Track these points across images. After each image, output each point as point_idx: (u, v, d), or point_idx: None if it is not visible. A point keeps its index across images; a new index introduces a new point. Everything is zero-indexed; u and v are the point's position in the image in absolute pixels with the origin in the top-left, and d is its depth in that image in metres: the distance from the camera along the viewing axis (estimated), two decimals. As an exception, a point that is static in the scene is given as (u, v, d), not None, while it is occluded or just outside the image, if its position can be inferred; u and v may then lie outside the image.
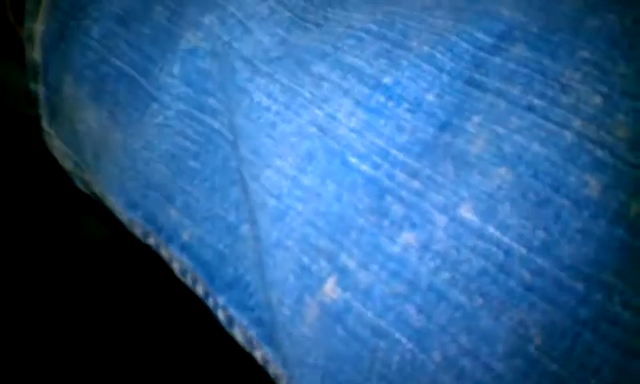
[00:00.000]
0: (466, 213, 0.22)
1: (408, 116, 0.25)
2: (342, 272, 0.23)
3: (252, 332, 0.27)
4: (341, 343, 0.23)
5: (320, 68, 0.27)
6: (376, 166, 0.24)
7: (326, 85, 0.27)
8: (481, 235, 0.22)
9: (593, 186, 0.21)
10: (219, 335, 0.29)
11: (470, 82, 0.24)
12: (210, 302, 0.29)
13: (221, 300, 0.29)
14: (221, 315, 0.28)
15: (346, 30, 0.27)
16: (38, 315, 0.42)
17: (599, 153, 0.21)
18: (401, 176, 0.24)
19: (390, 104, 0.25)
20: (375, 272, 0.23)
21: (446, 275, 0.22)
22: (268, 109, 0.27)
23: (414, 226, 0.23)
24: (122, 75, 0.33)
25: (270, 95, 0.28)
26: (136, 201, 0.32)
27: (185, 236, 0.30)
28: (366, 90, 0.26)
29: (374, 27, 0.27)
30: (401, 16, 0.27)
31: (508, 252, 0.21)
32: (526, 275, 0.21)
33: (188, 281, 0.31)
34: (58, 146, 0.38)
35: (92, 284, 0.42)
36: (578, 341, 0.20)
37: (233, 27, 0.30)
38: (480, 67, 0.24)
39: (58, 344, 0.42)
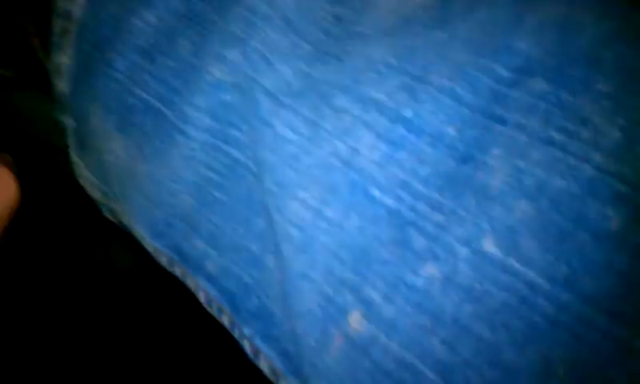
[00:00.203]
0: (489, 246, 0.22)
1: (429, 149, 0.25)
2: (367, 304, 0.24)
3: (277, 363, 0.27)
4: (366, 375, 0.23)
5: (341, 101, 0.27)
6: (398, 199, 0.25)
7: (347, 117, 0.27)
8: (503, 268, 0.22)
9: (614, 219, 0.21)
10: (244, 363, 0.30)
11: (490, 116, 0.24)
12: (236, 333, 0.30)
13: (246, 330, 0.29)
14: (246, 346, 0.29)
15: (366, 64, 0.28)
16: (63, 340, 0.43)
17: (619, 186, 0.21)
18: (423, 208, 0.24)
19: (411, 137, 0.25)
20: (399, 304, 0.23)
21: (469, 308, 0.22)
22: (291, 141, 0.28)
23: (436, 258, 0.23)
24: (148, 107, 0.34)
25: (292, 128, 0.28)
26: (162, 230, 0.33)
27: (210, 266, 0.31)
28: (387, 123, 0.26)
29: (393, 61, 0.27)
30: (420, 50, 0.27)
31: (531, 285, 0.21)
32: (550, 309, 0.21)
33: (214, 311, 0.31)
34: (86, 176, 0.39)
35: (118, 310, 0.43)
36: (601, 376, 0.20)
37: (256, 61, 0.30)
38: (499, 101, 0.24)
39: (83, 369, 0.42)
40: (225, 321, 0.30)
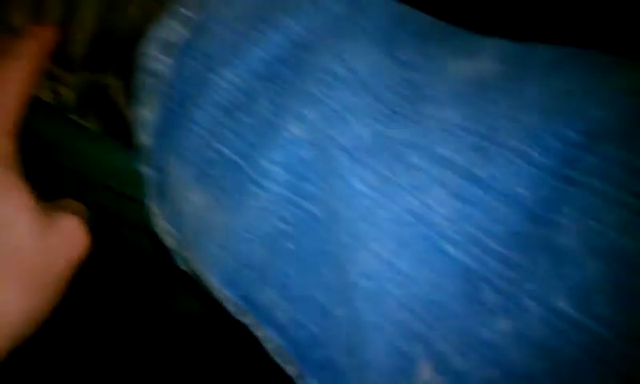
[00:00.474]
0: (561, 303, 0.23)
1: (501, 207, 0.25)
2: (438, 356, 0.24)
3: None
4: None
5: (415, 159, 0.28)
6: (470, 254, 0.25)
7: (420, 175, 0.28)
8: (576, 325, 0.22)
9: None
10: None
11: (561, 177, 0.25)
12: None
13: (313, 382, 0.29)
14: (314, 396, 0.29)
15: (439, 125, 0.29)
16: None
17: None
18: (495, 265, 0.24)
19: (483, 195, 0.26)
20: (471, 357, 0.23)
21: (541, 365, 0.22)
22: (366, 195, 0.29)
23: (508, 313, 0.23)
24: (226, 161, 0.35)
25: (367, 183, 0.29)
26: (234, 279, 0.34)
27: (279, 316, 0.32)
28: (460, 181, 0.27)
29: (464, 122, 0.28)
30: (490, 112, 0.28)
31: (604, 343, 0.21)
32: (623, 367, 0.21)
33: (280, 360, 0.32)
34: (162, 225, 0.40)
35: (186, 357, 0.44)
36: None
37: (333, 120, 0.32)
38: (570, 163, 0.25)
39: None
40: (291, 371, 0.31)
